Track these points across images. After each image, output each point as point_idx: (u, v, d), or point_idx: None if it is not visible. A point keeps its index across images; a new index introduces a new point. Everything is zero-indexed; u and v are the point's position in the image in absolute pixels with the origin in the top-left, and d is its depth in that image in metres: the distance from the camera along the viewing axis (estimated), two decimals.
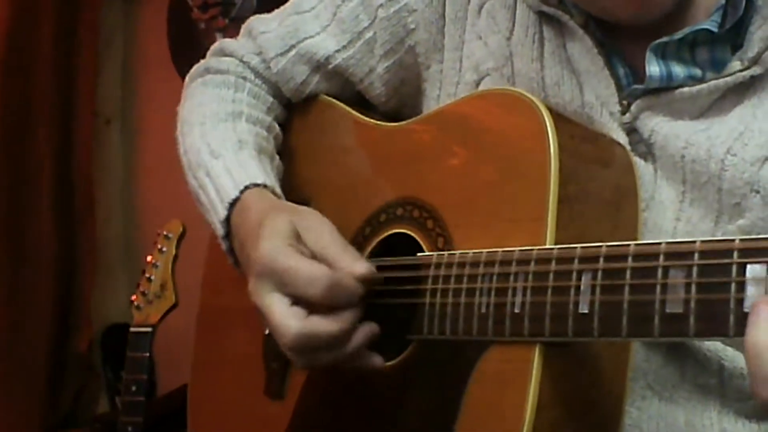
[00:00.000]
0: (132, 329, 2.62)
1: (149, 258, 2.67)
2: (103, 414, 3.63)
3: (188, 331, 1.74)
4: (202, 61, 1.71)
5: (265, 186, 1.43)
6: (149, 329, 2.59)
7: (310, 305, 1.23)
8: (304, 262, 1.24)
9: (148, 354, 2.57)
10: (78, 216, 3.81)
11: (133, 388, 2.54)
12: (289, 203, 1.40)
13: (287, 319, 1.22)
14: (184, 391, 1.73)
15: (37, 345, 3.63)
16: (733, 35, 1.27)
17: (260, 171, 1.45)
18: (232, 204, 1.41)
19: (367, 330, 1.27)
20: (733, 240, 0.97)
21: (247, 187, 1.41)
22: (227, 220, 1.42)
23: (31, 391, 3.60)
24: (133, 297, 2.65)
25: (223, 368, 1.65)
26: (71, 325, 3.76)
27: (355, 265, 1.24)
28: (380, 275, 1.28)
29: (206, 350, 1.71)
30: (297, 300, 1.23)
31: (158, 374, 3.31)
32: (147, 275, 2.64)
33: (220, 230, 1.43)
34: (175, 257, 2.64)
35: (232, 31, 3.39)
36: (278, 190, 1.45)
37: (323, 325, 1.22)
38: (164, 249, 2.64)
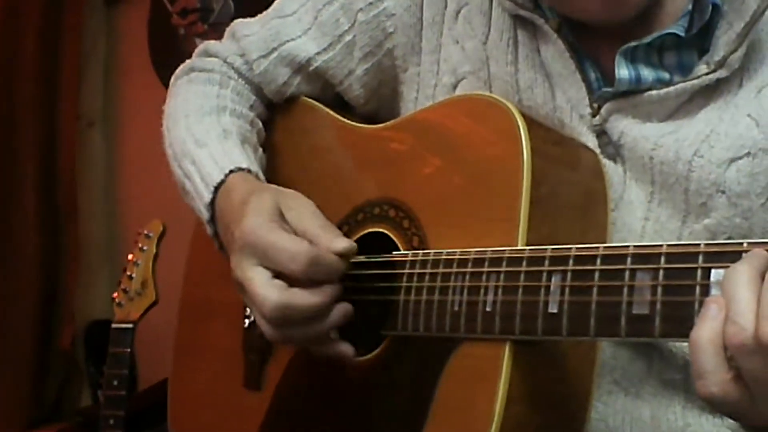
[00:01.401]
0: (114, 326, 2.60)
1: (130, 256, 2.65)
2: (86, 408, 3.60)
3: (168, 327, 1.74)
4: (187, 61, 1.71)
5: (249, 171, 1.43)
6: (130, 326, 2.58)
7: (291, 280, 1.23)
8: (287, 237, 1.24)
9: (129, 350, 2.55)
10: (61, 216, 3.78)
11: (115, 383, 2.52)
12: (273, 185, 1.40)
13: (267, 289, 1.23)
14: (164, 385, 1.73)
15: (22, 341, 3.61)
16: (700, 40, 1.28)
17: (244, 157, 1.45)
18: (217, 188, 1.41)
19: (343, 309, 1.27)
20: (698, 244, 0.97)
21: (231, 171, 1.41)
22: (212, 204, 1.41)
23: (16, 386, 3.58)
24: (115, 294, 2.63)
25: (203, 360, 1.64)
26: (55, 321, 3.74)
27: (335, 241, 1.25)
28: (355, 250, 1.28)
29: (187, 342, 1.71)
30: (278, 274, 1.24)
31: (139, 369, 3.29)
32: (128, 273, 2.63)
33: (205, 214, 1.42)
34: (156, 256, 2.62)
35: (211, 36, 3.35)
36: (261, 175, 1.44)
37: (303, 297, 1.23)
38: (145, 248, 2.63)
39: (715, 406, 0.92)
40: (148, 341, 2.75)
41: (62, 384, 3.75)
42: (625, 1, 1.25)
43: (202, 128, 1.51)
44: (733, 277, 0.90)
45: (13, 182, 3.63)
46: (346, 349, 1.29)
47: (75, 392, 3.79)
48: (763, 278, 0.89)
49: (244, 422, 1.49)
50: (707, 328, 0.90)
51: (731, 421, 1.26)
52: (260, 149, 1.56)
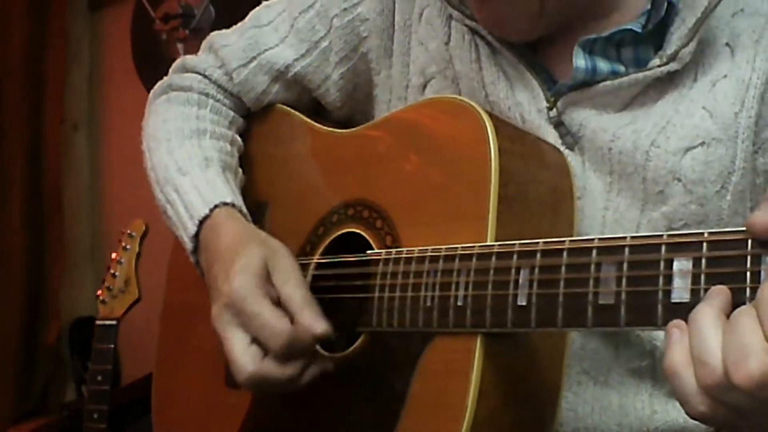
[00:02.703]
0: (98, 322, 2.59)
1: (114, 255, 2.64)
2: (71, 402, 3.60)
3: (150, 324, 1.73)
4: (165, 78, 1.68)
5: (233, 205, 1.41)
6: (114, 322, 2.56)
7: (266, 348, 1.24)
8: (270, 312, 1.23)
9: (112, 346, 2.54)
10: (47, 216, 3.78)
11: (99, 378, 2.50)
12: (260, 231, 1.38)
13: (244, 357, 1.23)
14: (146, 381, 1.72)
15: (8, 337, 3.62)
16: (656, 37, 1.30)
17: (228, 190, 1.44)
18: (202, 221, 1.39)
19: (313, 371, 1.27)
20: (661, 235, 0.97)
21: (216, 206, 1.40)
22: (196, 236, 1.40)
23: (2, 381, 3.58)
24: (99, 292, 2.62)
25: (186, 360, 1.63)
26: (41, 318, 3.74)
27: (315, 325, 1.23)
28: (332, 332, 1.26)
29: (170, 343, 1.69)
30: (255, 339, 1.24)
31: (122, 365, 3.29)
32: (112, 271, 2.61)
33: (189, 245, 1.41)
34: (138, 254, 2.61)
35: (192, 41, 3.39)
36: (244, 209, 1.43)
37: (276, 371, 1.23)
38: (128, 247, 2.62)
39: (708, 422, 0.92)
40: (131, 337, 2.74)
41: (48, 379, 3.74)
42: (511, 29, 1.32)
43: (184, 154, 1.50)
44: (698, 317, 0.90)
45: (0, 184, 3.62)
46: (329, 364, 1.29)
47: (60, 387, 3.79)
48: (726, 315, 0.89)
49: (226, 418, 1.48)
50: (677, 353, 0.90)
51: None
52: (240, 171, 1.55)
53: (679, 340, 0.90)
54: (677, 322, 0.92)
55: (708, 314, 0.89)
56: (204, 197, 1.41)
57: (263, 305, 1.24)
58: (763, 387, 0.83)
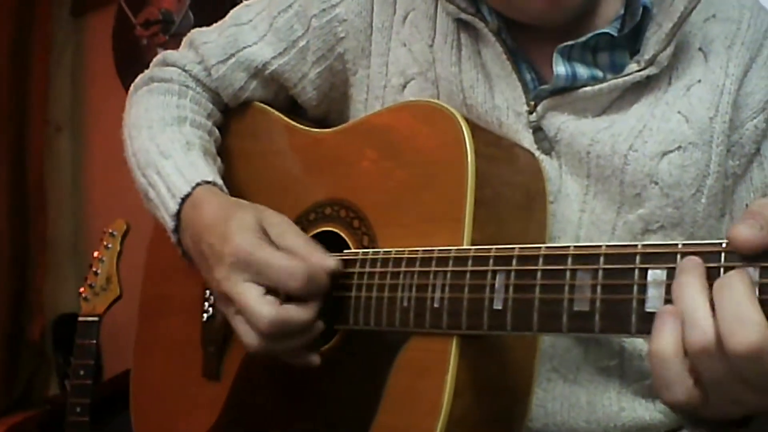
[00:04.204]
0: (80, 318, 2.57)
1: (96, 254, 2.63)
2: (54, 396, 3.58)
3: (131, 320, 1.71)
4: (146, 71, 1.67)
5: (214, 183, 1.40)
6: (96, 318, 2.55)
7: (281, 295, 1.20)
8: (280, 255, 1.21)
9: (94, 341, 2.53)
10: (31, 215, 3.76)
11: (81, 373, 2.49)
12: (242, 200, 1.37)
13: (262, 306, 1.19)
14: (127, 375, 1.70)
15: None
16: (632, 41, 1.29)
17: (209, 170, 1.42)
18: (184, 199, 1.37)
19: (321, 324, 1.24)
20: (635, 245, 0.96)
21: (198, 184, 1.38)
22: (178, 214, 1.38)
23: None
24: (82, 289, 2.61)
25: (164, 352, 1.61)
26: (25, 314, 3.72)
27: (327, 261, 1.22)
28: (344, 269, 1.25)
29: (148, 336, 1.67)
30: (269, 290, 1.21)
31: (104, 360, 3.27)
32: (94, 269, 2.60)
33: (170, 223, 1.39)
34: (120, 253, 2.60)
35: (172, 46, 3.32)
36: (225, 188, 1.41)
37: (298, 312, 1.20)
38: (110, 246, 2.61)
39: (677, 409, 0.91)
40: (113, 333, 2.73)
41: (32, 374, 3.73)
42: (567, 2, 1.25)
43: (166, 139, 1.48)
44: (685, 288, 0.88)
45: None
46: (315, 359, 1.26)
47: (44, 381, 3.78)
48: (706, 283, 0.87)
49: (204, 410, 1.47)
50: (670, 339, 0.87)
51: (663, 405, 1.26)
52: (218, 158, 1.53)
53: (673, 327, 0.87)
54: (669, 308, 0.89)
55: (693, 283, 0.87)
56: (186, 176, 1.40)
57: (272, 252, 1.22)
58: (754, 359, 0.82)
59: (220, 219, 1.29)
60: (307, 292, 1.20)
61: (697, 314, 0.86)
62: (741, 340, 0.82)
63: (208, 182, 1.39)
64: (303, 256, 1.21)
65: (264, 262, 1.21)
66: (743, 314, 0.82)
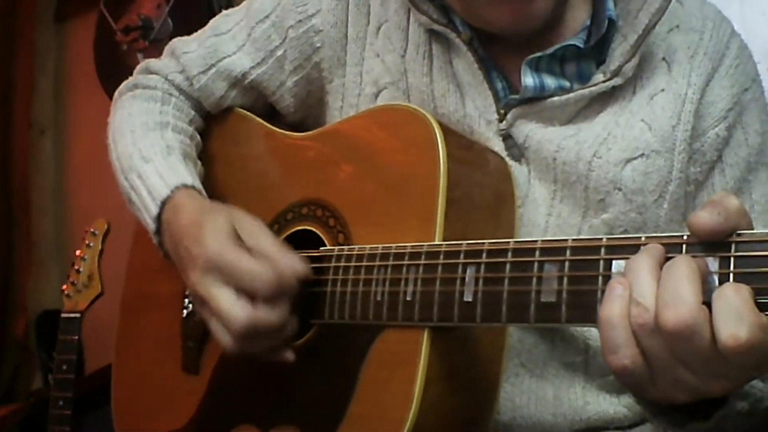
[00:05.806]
0: (63, 315, 2.56)
1: (78, 252, 2.61)
2: (37, 390, 3.55)
3: (113, 316, 1.69)
4: (130, 78, 1.66)
5: (193, 187, 1.39)
6: (78, 315, 2.54)
7: (251, 297, 1.19)
8: (251, 259, 1.20)
9: (77, 337, 2.51)
10: (15, 215, 3.76)
11: (64, 367, 2.48)
12: (219, 204, 1.36)
13: (235, 309, 1.18)
14: (109, 370, 1.68)
15: None
16: (597, 52, 1.30)
17: (188, 174, 1.41)
18: (164, 202, 1.36)
19: (293, 322, 1.24)
20: (600, 238, 0.97)
21: (177, 188, 1.37)
22: (158, 217, 1.37)
23: None
24: (64, 286, 2.60)
25: (144, 347, 1.60)
26: (9, 311, 3.72)
27: (296, 264, 1.21)
28: (311, 273, 1.24)
29: (129, 331, 1.66)
30: (240, 292, 1.20)
31: (86, 355, 3.23)
32: (76, 267, 2.59)
33: (151, 226, 1.38)
34: (101, 252, 2.58)
35: (152, 51, 3.36)
36: (204, 192, 1.41)
37: (268, 315, 1.19)
38: (91, 244, 2.59)
39: (624, 378, 0.91)
40: (94, 329, 2.71)
41: (16, 368, 3.72)
42: (532, 14, 1.25)
43: (148, 143, 1.47)
44: (635, 264, 0.89)
45: None
46: (289, 355, 1.25)
47: (28, 376, 3.76)
48: (661, 267, 0.88)
49: (183, 403, 1.46)
50: (617, 306, 0.88)
51: (628, 399, 1.27)
52: (199, 162, 1.52)
53: (620, 295, 0.89)
54: (620, 278, 0.90)
55: (645, 261, 0.89)
56: (165, 180, 1.39)
57: (243, 256, 1.21)
58: (684, 337, 0.83)
59: (196, 223, 1.28)
60: (274, 294, 1.19)
61: (643, 290, 0.87)
62: (670, 316, 0.84)
63: (188, 186, 1.38)
64: (272, 259, 1.21)
65: (232, 265, 1.20)
66: (678, 292, 0.84)
